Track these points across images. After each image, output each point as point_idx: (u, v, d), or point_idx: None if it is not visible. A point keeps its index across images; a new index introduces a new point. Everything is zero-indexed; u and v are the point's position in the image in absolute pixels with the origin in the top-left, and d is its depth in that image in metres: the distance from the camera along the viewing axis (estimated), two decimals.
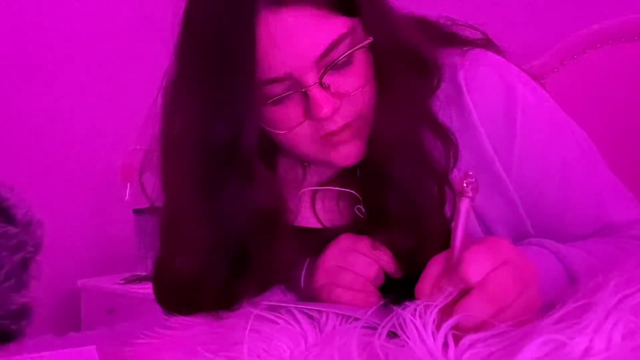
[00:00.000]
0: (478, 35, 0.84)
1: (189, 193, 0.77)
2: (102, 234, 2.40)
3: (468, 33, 0.83)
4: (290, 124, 0.73)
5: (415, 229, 0.75)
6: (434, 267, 0.61)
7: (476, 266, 0.58)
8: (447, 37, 0.82)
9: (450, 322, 0.56)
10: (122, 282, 2.18)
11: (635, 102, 1.31)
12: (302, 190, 0.84)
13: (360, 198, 0.80)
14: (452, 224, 0.64)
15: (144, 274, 2.21)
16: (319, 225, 0.83)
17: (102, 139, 2.38)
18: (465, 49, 0.79)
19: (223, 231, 0.77)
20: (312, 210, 0.83)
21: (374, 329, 0.62)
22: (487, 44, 0.83)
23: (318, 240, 0.79)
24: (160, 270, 0.88)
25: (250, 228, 0.77)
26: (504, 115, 0.76)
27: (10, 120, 2.21)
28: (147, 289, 2.09)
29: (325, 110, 0.70)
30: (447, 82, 0.77)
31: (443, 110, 0.77)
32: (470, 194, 0.63)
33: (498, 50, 0.83)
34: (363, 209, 0.80)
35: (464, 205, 0.63)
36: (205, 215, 0.77)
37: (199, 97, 0.73)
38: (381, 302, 0.75)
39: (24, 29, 2.26)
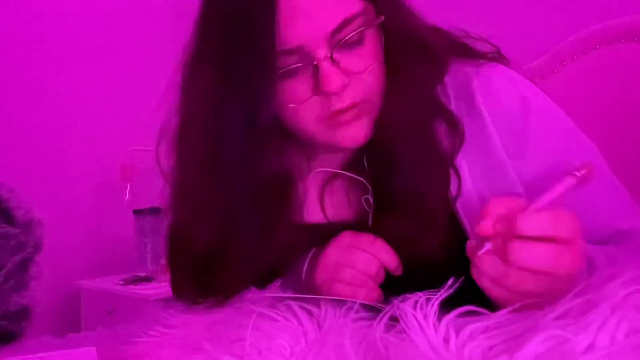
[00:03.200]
0: (489, 48, 0.85)
1: (202, 160, 0.79)
2: (102, 235, 2.40)
3: (479, 45, 0.84)
4: (299, 98, 0.74)
5: (420, 213, 0.76)
6: (495, 208, 0.61)
7: (566, 225, 0.59)
8: (459, 48, 0.83)
9: (451, 315, 0.56)
10: (121, 282, 2.18)
11: (635, 103, 1.31)
12: (308, 182, 0.84)
13: (369, 186, 0.80)
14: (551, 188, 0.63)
15: (143, 274, 2.21)
16: (324, 220, 0.84)
17: (102, 139, 2.39)
18: (479, 62, 0.81)
19: (235, 196, 0.78)
20: (319, 204, 0.84)
21: (376, 312, 0.62)
22: (498, 57, 0.84)
23: (324, 234, 0.79)
24: (176, 241, 0.88)
25: (262, 192, 0.78)
26: (517, 122, 0.77)
27: (10, 120, 2.21)
28: (147, 289, 2.11)
29: (334, 85, 0.71)
30: (460, 92, 0.78)
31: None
32: (578, 175, 0.63)
33: (508, 64, 0.85)
34: (371, 200, 0.80)
35: (568, 182, 0.63)
36: (217, 180, 0.78)
37: (218, 67, 0.75)
38: (381, 298, 0.75)
39: (24, 29, 2.26)
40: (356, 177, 0.81)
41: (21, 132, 2.23)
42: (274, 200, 0.79)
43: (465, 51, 0.83)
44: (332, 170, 0.83)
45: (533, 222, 0.59)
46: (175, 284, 0.91)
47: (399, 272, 0.77)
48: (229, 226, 0.79)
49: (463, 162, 0.77)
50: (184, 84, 0.80)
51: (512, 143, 0.77)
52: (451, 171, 0.77)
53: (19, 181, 1.17)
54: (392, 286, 0.75)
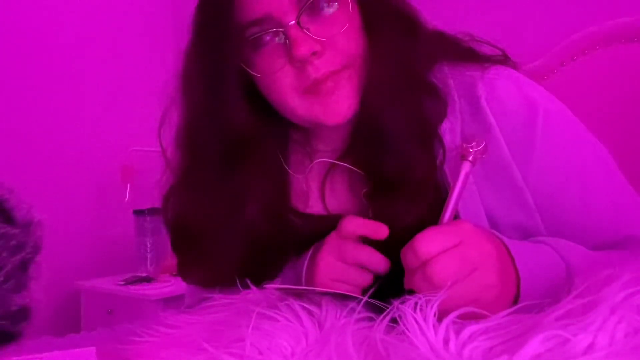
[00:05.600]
0: (495, 52, 0.85)
1: (185, 137, 0.83)
2: (102, 235, 2.40)
3: (485, 49, 0.84)
4: (274, 68, 0.75)
5: (408, 186, 0.76)
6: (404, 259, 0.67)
7: (426, 244, 0.63)
8: (464, 52, 0.83)
9: (452, 315, 0.56)
10: (121, 283, 2.18)
11: (635, 103, 1.31)
12: (310, 177, 0.85)
13: (365, 175, 0.80)
14: (451, 186, 0.67)
15: (143, 274, 2.21)
16: (326, 212, 0.84)
17: (102, 140, 2.39)
18: (485, 65, 0.80)
19: (206, 161, 0.81)
20: (320, 197, 0.84)
21: (378, 312, 0.63)
22: (504, 60, 0.84)
23: (326, 225, 0.79)
24: (172, 223, 0.89)
25: (228, 154, 0.80)
26: (523, 124, 0.77)
27: (11, 120, 2.20)
28: (147, 289, 2.11)
29: (303, 50, 0.72)
30: (465, 95, 0.78)
31: (460, 117, 0.78)
32: (470, 158, 0.65)
33: (515, 66, 0.84)
34: (369, 192, 0.80)
35: (464, 169, 0.65)
36: (192, 149, 0.82)
37: (199, 49, 0.79)
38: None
39: (24, 30, 2.26)
40: (352, 168, 0.81)
41: (21, 132, 2.23)
42: (242, 165, 0.80)
43: (471, 55, 0.83)
44: (329, 161, 0.84)
45: (430, 242, 0.64)
46: (180, 269, 0.92)
47: (381, 233, 0.74)
48: (203, 195, 0.82)
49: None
50: (182, 73, 0.83)
51: (518, 147, 0.76)
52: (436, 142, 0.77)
53: (19, 181, 1.17)
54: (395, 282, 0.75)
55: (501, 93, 0.78)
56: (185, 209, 0.84)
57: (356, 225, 0.75)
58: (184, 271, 0.90)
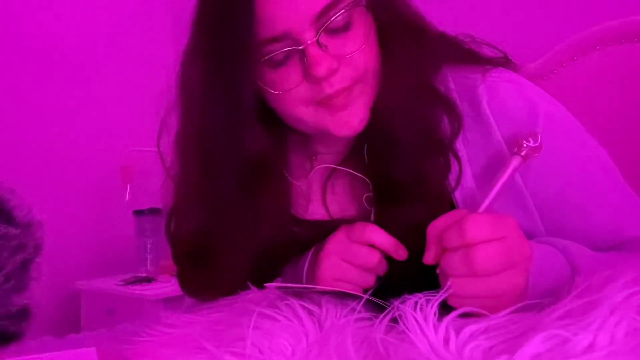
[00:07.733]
0: (496, 53, 0.85)
1: (194, 151, 0.82)
2: (102, 235, 2.40)
3: (486, 51, 0.84)
4: (290, 85, 0.74)
5: (426, 197, 0.76)
6: (434, 230, 0.66)
7: (476, 229, 0.62)
8: (465, 54, 0.83)
9: (451, 315, 0.56)
10: (121, 283, 2.18)
11: (635, 103, 1.31)
12: (311, 181, 0.85)
13: (368, 181, 0.80)
14: (496, 177, 0.67)
15: (143, 275, 2.21)
16: (328, 217, 0.84)
17: (102, 140, 2.39)
18: (486, 67, 0.80)
19: (221, 182, 0.80)
20: (322, 201, 0.84)
21: (379, 310, 0.62)
22: (505, 62, 0.84)
23: (327, 231, 0.79)
24: (175, 234, 0.90)
25: (245, 177, 0.79)
26: (524, 127, 0.76)
27: (11, 121, 2.21)
28: (147, 289, 2.11)
29: (322, 69, 0.72)
30: (466, 98, 0.78)
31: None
32: (523, 153, 0.65)
33: (515, 69, 0.84)
34: (371, 197, 0.80)
35: (514, 162, 0.64)
36: (205, 168, 0.81)
37: (206, 60, 0.77)
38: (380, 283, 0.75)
39: (25, 31, 2.26)
40: (356, 173, 0.81)
41: (21, 132, 2.23)
42: (258, 185, 0.80)
43: (471, 57, 0.83)
44: (331, 166, 0.83)
45: (480, 228, 0.62)
46: (181, 279, 0.92)
47: (401, 255, 0.76)
48: (218, 215, 0.81)
49: (467, 166, 0.77)
50: (181, 81, 0.81)
51: None
52: (451, 157, 0.77)
53: (19, 182, 1.17)
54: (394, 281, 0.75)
55: (502, 96, 0.78)
56: (199, 228, 0.83)
57: (378, 237, 0.75)
58: (189, 287, 0.90)
